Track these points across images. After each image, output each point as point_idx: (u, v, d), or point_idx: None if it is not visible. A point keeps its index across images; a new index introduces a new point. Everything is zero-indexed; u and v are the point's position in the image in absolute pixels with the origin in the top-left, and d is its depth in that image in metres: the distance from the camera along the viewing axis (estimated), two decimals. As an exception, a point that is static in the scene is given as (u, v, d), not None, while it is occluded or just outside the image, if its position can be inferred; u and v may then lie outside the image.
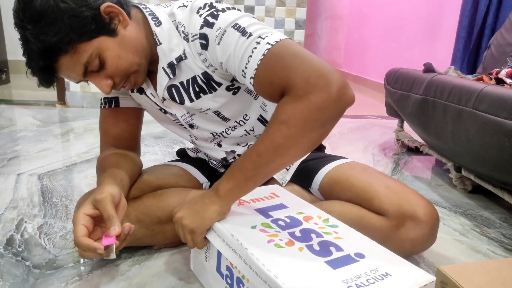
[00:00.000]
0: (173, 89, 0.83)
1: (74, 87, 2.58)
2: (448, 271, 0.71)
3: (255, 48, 0.66)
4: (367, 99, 3.36)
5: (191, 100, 0.83)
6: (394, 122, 2.08)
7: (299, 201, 0.82)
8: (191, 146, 1.13)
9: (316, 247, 0.64)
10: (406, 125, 1.89)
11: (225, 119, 0.88)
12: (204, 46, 0.73)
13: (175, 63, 0.78)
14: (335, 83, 0.59)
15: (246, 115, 0.90)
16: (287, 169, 0.99)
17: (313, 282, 0.55)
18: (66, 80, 2.56)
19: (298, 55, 0.63)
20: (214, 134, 0.92)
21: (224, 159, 0.99)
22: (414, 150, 1.87)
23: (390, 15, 3.59)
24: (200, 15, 0.73)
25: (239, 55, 0.67)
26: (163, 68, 0.79)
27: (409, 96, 1.55)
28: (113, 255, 0.65)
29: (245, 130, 0.92)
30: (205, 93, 0.82)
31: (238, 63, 0.68)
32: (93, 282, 0.80)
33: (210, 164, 1.04)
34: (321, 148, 1.10)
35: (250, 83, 0.68)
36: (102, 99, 0.93)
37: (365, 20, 4.05)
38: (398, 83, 1.67)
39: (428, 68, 1.51)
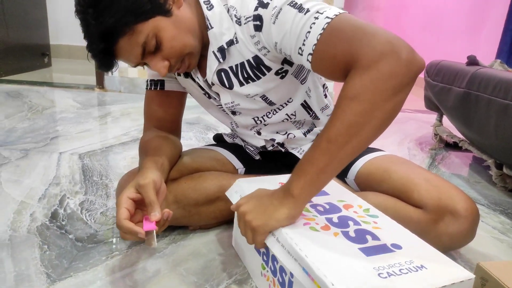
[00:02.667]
0: (222, 73, 0.83)
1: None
2: (489, 267, 0.69)
3: (314, 23, 0.63)
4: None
5: (241, 84, 0.83)
6: (431, 116, 2.02)
7: (341, 189, 0.82)
8: (227, 131, 1.15)
9: (352, 234, 0.64)
10: (444, 120, 1.83)
11: (271, 103, 0.88)
12: (258, 28, 0.72)
13: (226, 47, 0.79)
14: (403, 48, 0.56)
15: (291, 98, 0.90)
16: None
17: (342, 265, 0.55)
18: (104, 64, 2.63)
19: (360, 26, 0.60)
20: (256, 118, 0.92)
21: (263, 147, 0.99)
22: (452, 146, 1.81)
23: (430, 6, 3.46)
24: None
25: (296, 32, 0.65)
26: (213, 52, 0.80)
27: (451, 90, 1.50)
28: (154, 244, 0.67)
29: (287, 114, 0.91)
30: (253, 80, 0.82)
31: (295, 41, 0.66)
32: (131, 258, 0.83)
33: (246, 150, 1.04)
34: None
35: (308, 60, 0.65)
36: (148, 81, 0.95)
37: (404, 11, 3.93)
38: (440, 76, 1.61)
39: (472, 61, 1.45)
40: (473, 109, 1.33)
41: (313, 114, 0.96)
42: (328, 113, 1.00)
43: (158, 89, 0.94)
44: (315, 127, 1.00)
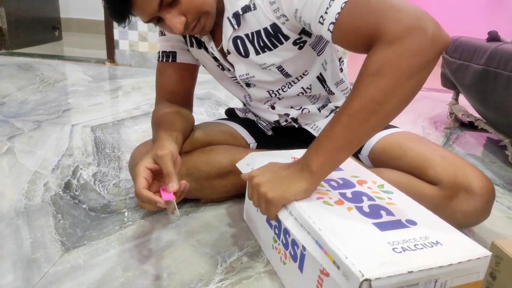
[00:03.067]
0: (238, 40, 0.81)
1: (123, 46, 2.63)
2: (504, 245, 0.68)
3: (330, 3, 0.62)
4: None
5: (257, 53, 0.81)
6: (446, 95, 1.98)
7: (355, 165, 0.81)
8: (239, 106, 1.13)
9: (366, 209, 0.63)
10: (461, 98, 1.79)
11: (287, 75, 0.86)
12: None
13: (241, 13, 0.77)
14: (430, 23, 0.54)
15: (306, 71, 0.88)
16: None
17: (356, 238, 0.55)
18: (115, 38, 2.61)
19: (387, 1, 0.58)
20: (271, 92, 0.90)
21: (277, 122, 0.98)
22: (468, 125, 1.78)
23: (450, -19, 3.34)
24: None
25: (315, 4, 0.64)
26: (228, 18, 0.78)
27: (469, 67, 1.45)
28: (177, 212, 0.66)
29: (302, 88, 0.90)
30: (269, 49, 0.80)
31: (316, 9, 0.64)
32: (145, 228, 0.84)
33: (259, 125, 1.03)
34: None
35: (329, 29, 0.63)
36: (160, 53, 0.93)
37: (422, -14, 3.80)
38: (458, 53, 1.56)
39: (493, 37, 1.40)
40: (492, 87, 1.29)
41: (328, 89, 0.94)
42: (342, 88, 0.98)
43: (170, 61, 0.92)
44: (330, 102, 0.98)
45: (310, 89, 0.91)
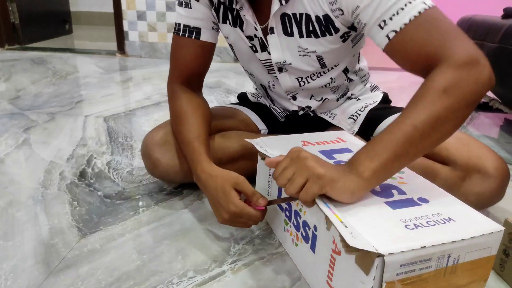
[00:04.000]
0: (286, 18, 0.78)
1: (132, 37, 2.64)
2: (519, 223, 0.67)
3: (410, 2, 0.60)
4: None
5: (300, 36, 0.79)
6: (461, 76, 1.93)
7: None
8: (251, 91, 1.12)
9: (377, 189, 0.63)
10: (475, 79, 1.75)
11: (324, 65, 0.85)
12: None
13: None
14: (487, 62, 0.57)
15: (338, 62, 0.87)
16: (355, 120, 0.97)
17: (368, 217, 0.55)
18: (125, 29, 2.62)
19: (454, 26, 0.60)
20: (300, 79, 0.88)
21: (295, 110, 0.97)
22: (483, 107, 1.74)
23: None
24: None
25: (387, 4, 0.61)
26: None
27: (483, 45, 1.42)
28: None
29: (330, 78, 0.88)
30: (316, 36, 0.78)
31: (381, 12, 0.62)
32: (159, 213, 0.85)
33: (273, 111, 1.03)
34: (387, 101, 1.06)
35: (387, 36, 0.62)
36: (182, 26, 0.85)
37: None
38: (471, 31, 1.53)
39: (509, 13, 1.36)
40: (507, 65, 1.26)
41: (349, 78, 0.94)
42: (361, 75, 0.99)
43: (193, 37, 0.85)
44: (348, 91, 0.98)
45: (335, 80, 0.90)
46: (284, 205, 0.72)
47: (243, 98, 1.11)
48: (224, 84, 2.04)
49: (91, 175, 1.02)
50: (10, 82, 1.94)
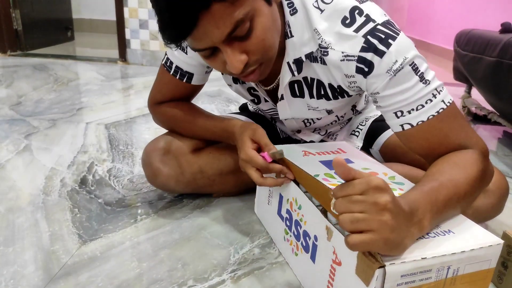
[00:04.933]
0: (295, 84, 0.77)
1: (134, 45, 2.66)
2: (517, 236, 0.68)
3: (430, 100, 0.63)
4: (430, 65, 3.15)
5: (311, 97, 0.78)
6: (459, 89, 1.95)
7: (365, 157, 0.81)
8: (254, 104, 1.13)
9: None
10: (473, 92, 1.77)
11: (331, 112, 0.85)
12: (363, 72, 0.64)
13: (304, 60, 0.70)
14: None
15: (348, 107, 0.89)
16: (357, 136, 0.98)
17: None
18: (127, 37, 2.64)
19: (467, 121, 0.68)
20: (306, 121, 0.89)
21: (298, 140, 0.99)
22: (481, 119, 1.76)
23: (462, -26, 3.28)
24: (356, 31, 0.63)
25: (410, 99, 0.62)
26: (288, 63, 0.71)
27: (481, 59, 1.44)
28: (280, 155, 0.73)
29: (336, 116, 0.89)
30: (328, 99, 0.78)
31: (401, 104, 0.63)
32: (158, 221, 0.85)
33: (274, 123, 1.03)
34: None
35: (401, 126, 0.65)
36: (174, 66, 0.83)
37: (433, -21, 3.75)
38: (470, 45, 1.55)
39: (507, 28, 1.38)
40: (505, 80, 1.28)
41: (356, 111, 0.98)
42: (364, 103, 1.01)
43: (184, 81, 0.84)
44: (351, 119, 1.01)
45: (344, 116, 0.91)
46: (285, 214, 0.72)
47: (244, 109, 1.12)
48: (224, 93, 2.05)
49: (92, 182, 1.02)
50: (12, 88, 1.95)
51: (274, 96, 0.82)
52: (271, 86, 0.79)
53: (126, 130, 1.42)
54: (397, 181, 0.72)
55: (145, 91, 2.03)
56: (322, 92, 0.77)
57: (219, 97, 1.95)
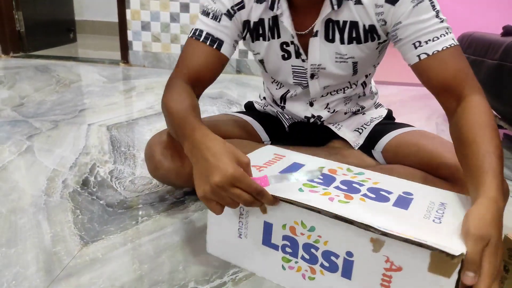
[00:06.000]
0: (330, 24, 0.81)
1: (136, 47, 2.67)
2: (518, 239, 0.68)
3: (443, 35, 0.72)
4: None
5: (342, 42, 0.83)
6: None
7: (307, 157, 0.79)
8: (259, 100, 1.12)
9: (371, 195, 0.64)
10: (475, 94, 1.77)
11: (355, 72, 0.88)
12: (390, 1, 0.74)
13: None
14: None
15: (364, 73, 0.92)
16: (360, 133, 0.99)
17: (401, 225, 0.56)
18: (129, 39, 2.65)
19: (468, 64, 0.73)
20: (326, 86, 0.91)
21: (306, 117, 0.99)
22: (482, 122, 1.76)
23: (464, -24, 3.29)
24: None
25: (426, 30, 0.72)
26: None
27: (483, 62, 1.44)
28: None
29: (349, 83, 0.93)
30: (358, 42, 0.82)
31: (418, 34, 0.73)
32: (160, 223, 0.86)
33: (280, 119, 1.03)
34: (391, 118, 1.08)
35: (418, 56, 0.73)
36: (204, 33, 0.84)
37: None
38: (471, 48, 1.55)
39: (508, 31, 1.38)
40: (507, 82, 1.28)
41: (364, 92, 0.99)
42: (372, 91, 1.03)
43: (214, 47, 0.84)
44: (358, 105, 1.01)
45: (355, 87, 0.94)
46: (280, 242, 0.65)
47: (249, 107, 1.11)
48: (226, 95, 2.05)
49: (93, 183, 1.03)
50: (14, 90, 1.95)
51: (305, 50, 0.86)
52: (307, 30, 0.82)
53: (128, 132, 1.43)
54: (356, 172, 0.74)
55: (147, 92, 2.04)
56: (354, 35, 0.81)
57: (220, 99, 1.96)
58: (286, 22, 0.81)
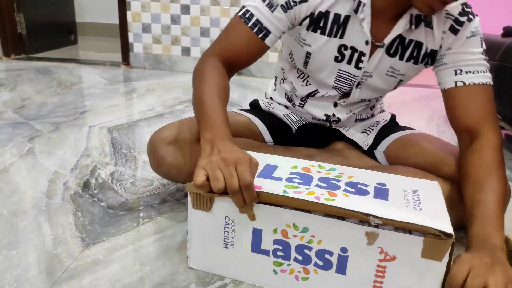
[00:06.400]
0: (398, 39, 0.83)
1: (137, 49, 2.68)
2: (519, 240, 0.68)
3: (483, 72, 0.79)
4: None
5: (401, 58, 0.85)
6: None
7: (278, 158, 0.79)
8: (265, 99, 1.10)
9: (351, 189, 0.65)
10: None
11: (395, 88, 0.92)
12: (455, 31, 0.80)
13: (423, 18, 0.80)
14: None
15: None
16: (368, 134, 1.00)
17: (395, 213, 0.58)
18: (130, 41, 2.66)
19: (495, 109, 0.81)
20: (364, 99, 0.94)
21: (316, 119, 0.99)
22: (483, 122, 1.76)
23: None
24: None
25: (470, 62, 0.79)
26: (411, 14, 0.79)
27: (484, 63, 1.44)
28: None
29: (377, 101, 1.01)
30: (416, 62, 0.85)
31: (462, 64, 0.79)
32: (161, 224, 0.86)
33: (287, 120, 1.02)
34: (395, 122, 1.08)
35: (455, 82, 0.79)
36: (254, 18, 0.82)
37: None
38: (472, 49, 1.55)
39: (509, 32, 1.38)
40: (507, 83, 1.28)
41: (372, 115, 1.05)
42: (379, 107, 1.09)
43: (259, 36, 0.83)
44: (370, 113, 1.04)
45: (379, 100, 1.01)
46: (271, 247, 0.65)
47: (254, 106, 1.10)
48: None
49: (94, 185, 1.03)
50: (16, 92, 1.96)
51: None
52: (382, 42, 0.83)
53: (129, 134, 1.43)
54: (328, 168, 0.75)
55: (148, 94, 2.04)
56: (415, 54, 0.85)
57: (221, 101, 1.96)
58: (366, 28, 0.81)
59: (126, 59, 2.71)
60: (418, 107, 2.01)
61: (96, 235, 0.81)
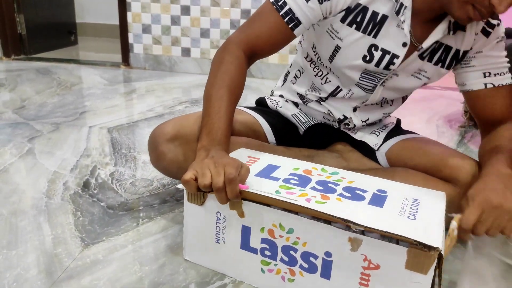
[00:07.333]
0: (435, 44, 0.82)
1: (137, 49, 2.68)
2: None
3: (507, 73, 0.84)
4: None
5: (429, 60, 0.85)
6: (461, 94, 1.95)
7: (281, 158, 0.79)
8: (273, 98, 1.07)
9: (347, 194, 0.65)
10: (475, 96, 1.77)
11: (423, 84, 0.91)
12: (485, 33, 0.82)
13: (460, 25, 0.80)
14: None
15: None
16: (377, 135, 0.99)
17: (384, 220, 0.57)
18: (130, 42, 2.66)
19: None
20: (384, 99, 0.95)
21: (332, 119, 0.98)
22: (483, 124, 1.76)
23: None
24: None
25: (498, 65, 0.83)
26: (450, 21, 0.79)
27: (483, 64, 1.44)
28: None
29: (391, 108, 1.01)
30: (443, 66, 0.86)
31: (490, 66, 0.83)
32: (160, 224, 0.86)
33: (295, 120, 1.01)
34: (399, 127, 1.08)
35: (485, 84, 0.84)
36: (286, 7, 0.80)
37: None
38: (472, 50, 1.55)
39: (509, 34, 1.38)
40: (507, 84, 1.28)
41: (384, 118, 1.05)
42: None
43: (289, 26, 0.81)
44: (381, 117, 1.03)
45: (392, 103, 1.01)
46: (259, 245, 0.66)
47: (260, 103, 1.08)
48: (227, 97, 2.05)
49: (94, 185, 1.03)
50: (16, 92, 1.96)
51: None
52: (420, 46, 0.82)
53: (129, 134, 1.43)
54: (331, 172, 0.74)
55: (148, 94, 2.04)
56: (443, 58, 0.85)
57: (221, 101, 1.96)
58: (406, 30, 0.80)
59: (126, 60, 2.71)
60: (417, 109, 2.01)
61: (95, 235, 0.81)
